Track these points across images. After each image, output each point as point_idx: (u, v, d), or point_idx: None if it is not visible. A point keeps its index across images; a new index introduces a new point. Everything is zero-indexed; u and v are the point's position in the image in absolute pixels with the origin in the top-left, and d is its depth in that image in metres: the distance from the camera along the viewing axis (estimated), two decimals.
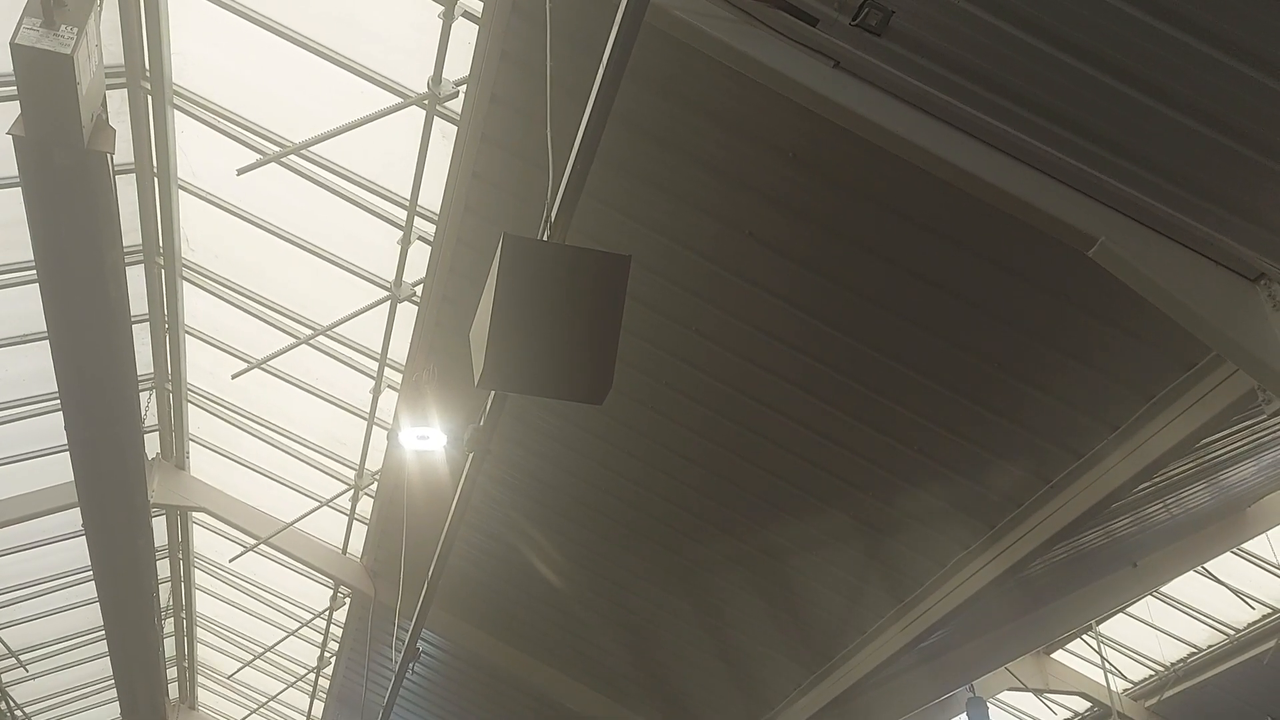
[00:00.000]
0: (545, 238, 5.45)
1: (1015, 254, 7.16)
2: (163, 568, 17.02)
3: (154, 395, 13.35)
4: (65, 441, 11.24)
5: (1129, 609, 13.69)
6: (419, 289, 10.27)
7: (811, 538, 10.34)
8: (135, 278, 11.01)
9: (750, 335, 8.72)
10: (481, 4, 7.68)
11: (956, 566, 9.60)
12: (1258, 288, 6.00)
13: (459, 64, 8.24)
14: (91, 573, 14.24)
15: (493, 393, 6.57)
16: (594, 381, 4.98)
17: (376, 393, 11.89)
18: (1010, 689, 14.40)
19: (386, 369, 11.55)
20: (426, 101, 8.54)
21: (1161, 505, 10.65)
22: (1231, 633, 13.72)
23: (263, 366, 11.75)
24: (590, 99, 5.02)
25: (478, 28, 7.84)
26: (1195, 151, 5.68)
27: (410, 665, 11.02)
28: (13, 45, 6.52)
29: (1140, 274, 5.94)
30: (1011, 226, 6.51)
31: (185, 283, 11.66)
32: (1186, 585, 13.24)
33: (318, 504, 14.00)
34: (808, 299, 8.24)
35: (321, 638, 18.17)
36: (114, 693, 18.03)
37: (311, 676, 19.45)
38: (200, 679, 21.47)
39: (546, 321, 4.86)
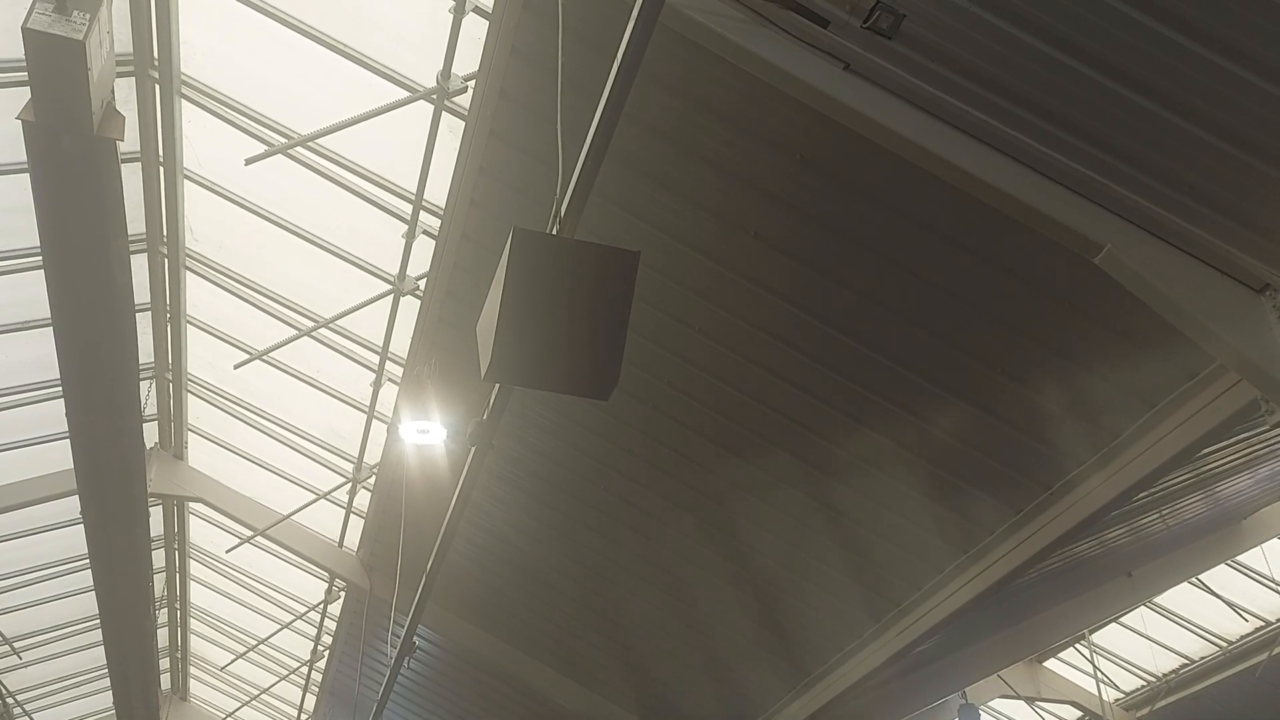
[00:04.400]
0: (554, 233, 5.45)
1: (1021, 259, 7.17)
2: (158, 558, 17.00)
3: (154, 385, 13.34)
4: (64, 429, 11.26)
5: (1122, 619, 13.70)
6: (422, 283, 10.28)
7: (809, 540, 10.36)
8: (138, 267, 11.00)
9: (752, 334, 8.73)
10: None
11: (954, 572, 9.60)
12: (1263, 298, 6.02)
13: (468, 59, 8.25)
14: (87, 561, 14.24)
15: (497, 386, 6.58)
16: (601, 377, 4.99)
17: (377, 386, 11.89)
18: (1002, 696, 14.40)
19: (388, 363, 11.56)
20: (435, 96, 8.55)
21: (1157, 515, 10.66)
22: (1224, 644, 13.73)
23: (264, 358, 11.75)
24: (603, 97, 5.03)
25: (488, 23, 7.85)
26: (1204, 161, 5.70)
27: (406, 660, 11.02)
28: (25, 30, 6.53)
29: (1146, 282, 5.96)
30: (1018, 231, 6.53)
31: (188, 272, 11.67)
32: (1180, 596, 13.25)
33: (315, 496, 14.00)
34: (810, 299, 8.25)
35: (315, 631, 18.16)
36: (107, 682, 18.03)
37: (304, 670, 19.44)
38: (193, 670, 21.46)
39: (554, 316, 4.87)
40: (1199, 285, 6.01)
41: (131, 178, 10.12)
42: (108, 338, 9.78)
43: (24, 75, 7.23)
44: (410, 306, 10.63)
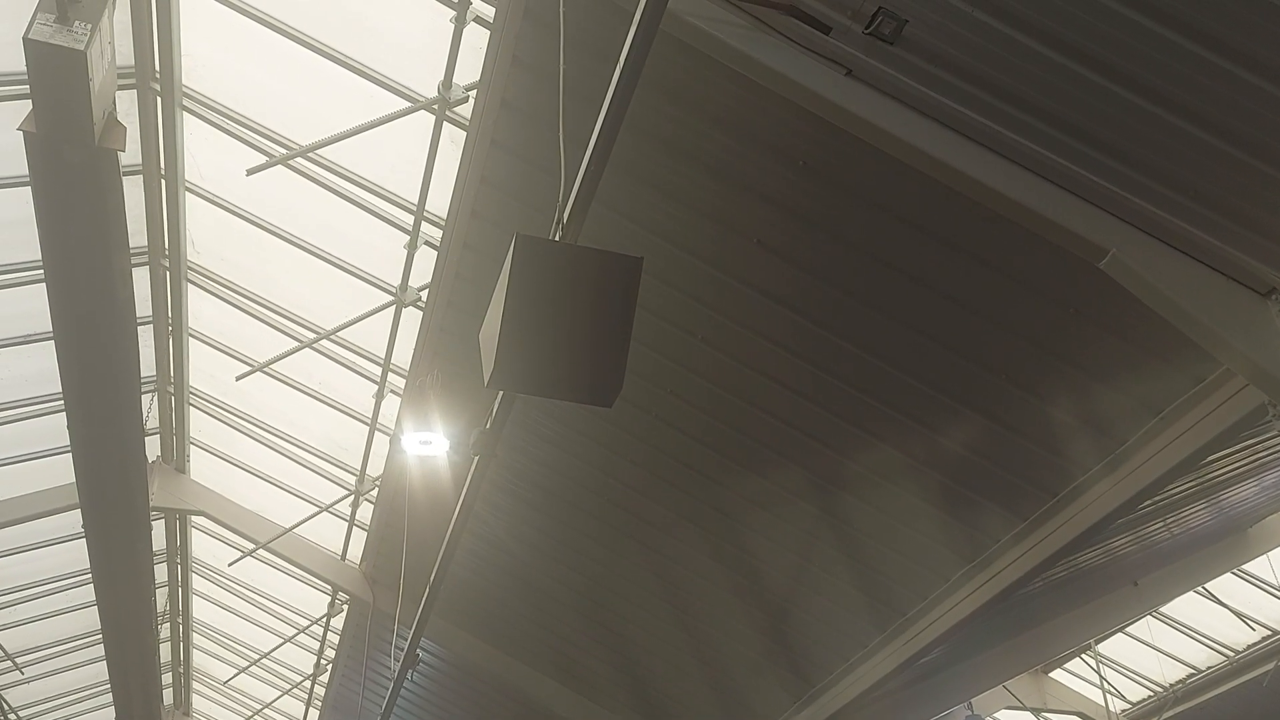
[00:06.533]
0: (557, 240, 5.44)
1: (1025, 265, 7.15)
2: (160, 572, 16.97)
3: (155, 398, 13.32)
4: (66, 443, 11.22)
5: (1128, 629, 13.64)
6: (424, 294, 10.26)
7: (813, 549, 10.31)
8: (140, 280, 11.00)
9: (754, 342, 8.70)
10: (493, 9, 7.69)
11: (960, 581, 9.56)
12: (1269, 302, 6.00)
13: (469, 69, 8.24)
14: (89, 576, 14.20)
15: (500, 394, 6.56)
16: (604, 384, 4.96)
17: (379, 397, 11.87)
18: (1008, 708, 14.32)
19: (390, 374, 11.53)
20: (436, 106, 8.54)
21: (1162, 524, 10.62)
22: (1231, 654, 13.65)
23: (265, 370, 11.73)
24: (605, 104, 5.03)
25: (489, 33, 7.84)
26: (1208, 165, 5.68)
27: (409, 673, 10.98)
28: (26, 40, 6.50)
29: (1151, 287, 5.94)
30: (1022, 237, 6.51)
31: (190, 285, 11.65)
32: (1186, 606, 13.19)
33: (317, 509, 13.96)
34: (813, 306, 8.23)
35: (318, 644, 18.11)
36: (109, 697, 17.96)
37: (307, 684, 19.37)
38: (195, 685, 21.41)
39: (557, 322, 4.84)
40: (1204, 290, 5.98)
41: (133, 190, 10.11)
42: (109, 351, 9.74)
43: (25, 89, 7.22)
44: (412, 317, 10.61)
